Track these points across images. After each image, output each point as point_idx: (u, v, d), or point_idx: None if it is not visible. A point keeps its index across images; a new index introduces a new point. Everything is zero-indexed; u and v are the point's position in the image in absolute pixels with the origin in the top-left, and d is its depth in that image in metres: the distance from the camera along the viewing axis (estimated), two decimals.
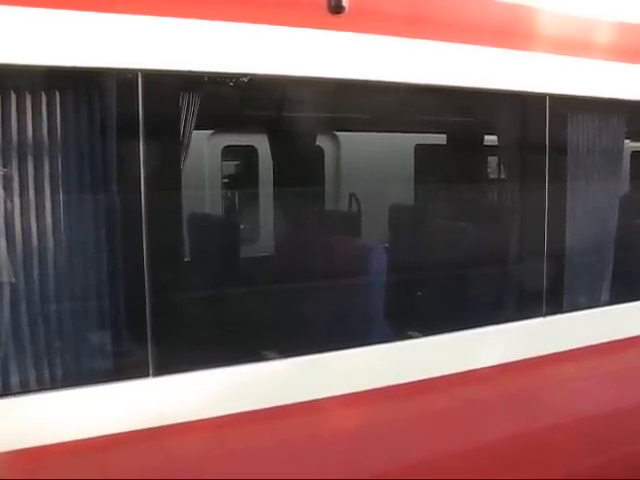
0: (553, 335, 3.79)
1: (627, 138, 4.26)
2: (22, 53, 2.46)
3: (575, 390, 3.86)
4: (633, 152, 5.38)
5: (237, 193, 6.42)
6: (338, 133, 6.26)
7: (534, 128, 3.74)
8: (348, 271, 3.70)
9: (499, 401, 3.61)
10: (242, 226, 5.64)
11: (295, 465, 2.98)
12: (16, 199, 2.57)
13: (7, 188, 2.57)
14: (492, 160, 5.98)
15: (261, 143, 5.68)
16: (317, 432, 3.07)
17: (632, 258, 4.37)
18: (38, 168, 2.58)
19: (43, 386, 2.64)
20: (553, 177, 3.73)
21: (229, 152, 6.28)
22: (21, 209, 2.57)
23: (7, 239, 2.57)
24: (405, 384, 3.27)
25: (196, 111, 3.37)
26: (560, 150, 3.78)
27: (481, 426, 3.51)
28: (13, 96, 2.52)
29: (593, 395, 3.89)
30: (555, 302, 3.81)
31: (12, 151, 2.56)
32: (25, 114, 2.54)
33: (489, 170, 6.08)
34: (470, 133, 5.24)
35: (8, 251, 2.59)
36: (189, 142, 3.38)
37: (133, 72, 2.63)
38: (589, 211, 4.01)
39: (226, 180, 6.46)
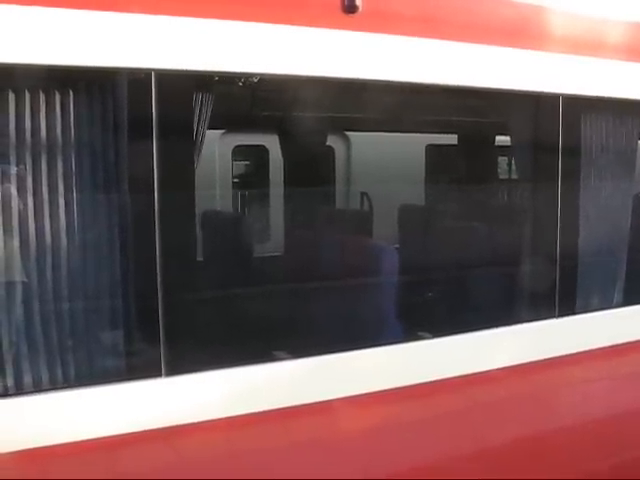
0: (566, 336, 3.77)
1: None
2: (36, 53, 2.46)
3: (588, 392, 3.84)
4: None
5: (248, 192, 6.43)
6: (349, 133, 6.27)
7: (547, 128, 3.72)
8: (359, 271, 3.69)
9: (511, 403, 3.59)
10: (253, 226, 5.65)
11: (308, 466, 2.98)
12: (30, 198, 2.57)
13: (21, 187, 2.57)
14: (504, 161, 5.97)
15: (272, 143, 5.69)
16: (331, 433, 3.07)
17: None
18: (51, 167, 2.58)
19: (53, 386, 2.63)
20: (566, 178, 3.71)
21: (240, 152, 6.30)
22: (34, 208, 2.57)
23: (21, 238, 2.57)
24: (416, 385, 3.25)
25: (208, 111, 3.38)
26: (573, 151, 3.76)
27: (493, 428, 3.50)
28: (27, 95, 2.52)
29: (606, 397, 3.87)
30: (568, 303, 3.79)
31: (27, 150, 2.56)
32: (39, 113, 2.54)
33: (500, 171, 6.06)
34: (482, 134, 5.22)
35: (21, 250, 2.59)
36: (201, 142, 3.39)
37: (147, 72, 2.64)
38: (603, 212, 3.98)
39: (237, 180, 6.48)
